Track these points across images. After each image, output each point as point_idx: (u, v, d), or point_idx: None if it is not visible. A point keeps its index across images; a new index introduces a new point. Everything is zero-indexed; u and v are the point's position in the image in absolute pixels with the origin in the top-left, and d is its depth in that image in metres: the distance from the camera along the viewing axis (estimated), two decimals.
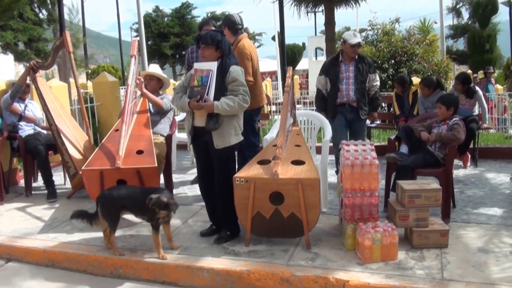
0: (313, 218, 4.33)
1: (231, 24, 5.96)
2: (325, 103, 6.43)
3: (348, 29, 44.66)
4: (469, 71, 25.48)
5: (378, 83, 6.47)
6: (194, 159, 7.17)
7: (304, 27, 34.77)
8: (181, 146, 8.66)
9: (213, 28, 6.32)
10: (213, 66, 4.48)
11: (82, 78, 11.54)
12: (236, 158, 5.16)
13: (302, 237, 4.46)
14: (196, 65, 4.61)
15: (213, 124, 4.45)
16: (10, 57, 21.85)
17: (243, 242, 4.56)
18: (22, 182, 7.22)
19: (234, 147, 4.63)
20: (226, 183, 4.51)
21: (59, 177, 7.23)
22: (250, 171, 4.50)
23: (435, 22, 25.50)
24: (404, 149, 5.60)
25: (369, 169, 4.31)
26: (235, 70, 4.51)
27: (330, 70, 6.36)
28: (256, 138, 6.17)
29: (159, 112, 6.18)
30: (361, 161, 4.31)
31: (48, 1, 20.21)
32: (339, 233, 4.77)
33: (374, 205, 4.39)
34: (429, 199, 4.35)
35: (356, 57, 6.27)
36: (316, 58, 29.44)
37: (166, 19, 42.30)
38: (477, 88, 7.92)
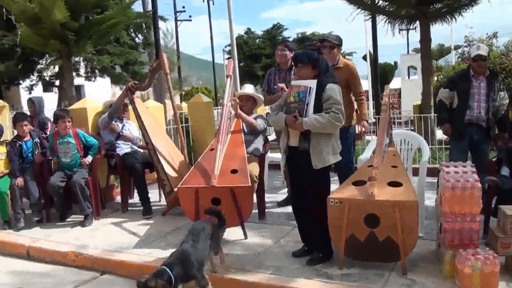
0: (410, 242, 4.19)
1: (341, 43, 6.19)
2: (450, 115, 6.16)
3: (442, 46, 42.62)
4: None
5: (507, 101, 6.03)
6: (284, 179, 7.18)
7: (395, 45, 34.12)
8: (273, 166, 8.69)
9: (285, 48, 6.57)
10: (312, 83, 4.45)
11: (176, 100, 11.96)
12: None
13: (398, 262, 4.32)
14: (294, 82, 4.62)
15: (304, 142, 4.45)
16: (107, 79, 23.06)
17: (336, 265, 4.47)
18: (118, 198, 7.49)
19: (330, 167, 4.58)
20: (320, 203, 4.44)
21: (154, 195, 7.43)
22: (345, 192, 4.44)
23: None
24: (505, 171, 5.31)
25: (470, 192, 4.10)
26: (331, 88, 4.46)
27: (459, 84, 6.05)
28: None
29: (253, 132, 6.25)
30: (462, 184, 4.12)
31: (144, 26, 21.18)
32: (436, 259, 4.57)
33: (475, 231, 4.17)
34: None
35: (488, 72, 5.97)
36: (409, 77, 28.40)
37: (257, 40, 43.19)
38: None
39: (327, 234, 4.49)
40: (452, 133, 6.08)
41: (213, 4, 37.54)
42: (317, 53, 4.57)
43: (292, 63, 5.34)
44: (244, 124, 6.26)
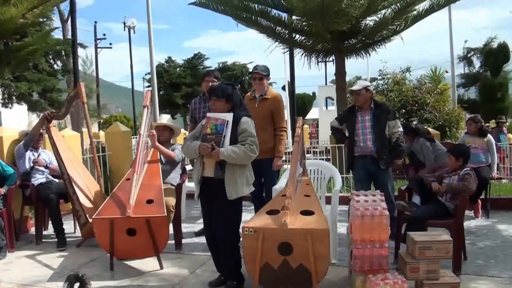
0: (322, 269, 4.30)
1: (269, 73, 6.40)
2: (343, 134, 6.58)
3: (359, 78, 44.45)
4: None
5: (399, 129, 6.31)
6: None
7: (315, 76, 35.11)
8: (191, 196, 8.58)
9: (215, 79, 6.53)
10: (229, 117, 4.57)
11: (94, 128, 11.71)
12: None
13: None
14: (210, 114, 4.69)
15: (221, 172, 4.52)
16: (24, 107, 22.25)
17: None
18: (32, 230, 7.24)
19: (243, 198, 4.68)
20: (232, 233, 4.58)
21: (69, 226, 7.26)
22: (259, 221, 4.51)
23: (446, 71, 25.10)
24: (416, 199, 5.61)
25: (379, 220, 4.28)
26: (246, 121, 4.61)
27: (347, 119, 6.43)
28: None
29: (170, 162, 6.27)
30: (371, 212, 4.29)
31: (63, 53, 20.72)
32: (348, 285, 4.72)
33: (384, 257, 4.32)
34: (440, 251, 4.30)
35: (372, 105, 6.26)
36: (326, 108, 28.76)
37: (178, 69, 42.65)
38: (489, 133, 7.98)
39: (239, 261, 4.62)
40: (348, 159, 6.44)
41: (134, 32, 37.10)
42: (231, 88, 4.71)
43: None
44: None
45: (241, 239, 4.66)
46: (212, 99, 4.70)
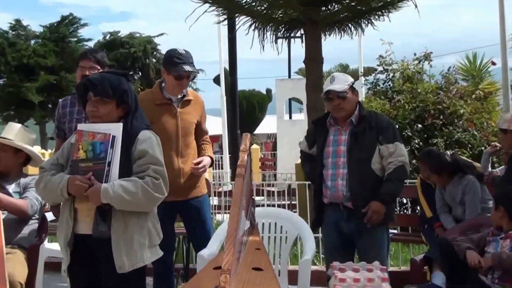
0: None
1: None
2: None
3: (345, 68, 32.91)
4: None
5: (402, 158, 4.12)
6: None
7: (270, 62, 29.71)
8: (54, 265, 5.90)
9: (96, 65, 4.54)
10: (116, 128, 3.25)
11: None
12: None
13: None
14: (84, 126, 3.36)
15: (103, 225, 3.21)
16: None
17: None
18: None
19: (145, 269, 3.35)
20: None
21: None
22: None
23: (493, 63, 15.12)
24: (438, 278, 4.42)
25: None
26: (147, 138, 3.31)
27: (315, 138, 4.39)
28: None
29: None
30: None
31: None
32: None
33: None
34: None
35: (353, 117, 4.17)
36: (290, 116, 21.68)
37: (33, 42, 28.79)
38: None
39: None
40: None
41: None
42: (124, 81, 3.41)
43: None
44: None
45: None
46: (91, 100, 3.30)
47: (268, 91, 31.92)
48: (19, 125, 4.93)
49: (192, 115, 4.60)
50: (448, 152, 6.28)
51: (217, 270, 3.19)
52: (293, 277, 4.40)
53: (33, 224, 4.51)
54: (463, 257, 4.00)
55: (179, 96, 4.57)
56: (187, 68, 4.44)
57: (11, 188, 4.40)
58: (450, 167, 5.44)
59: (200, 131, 4.70)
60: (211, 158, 4.76)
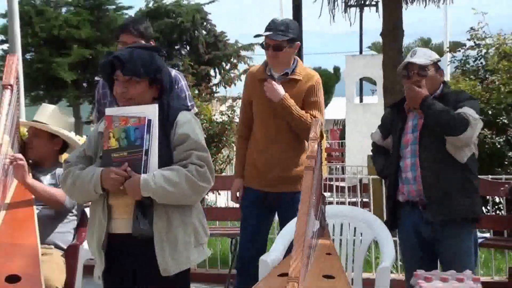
0: None
1: (297, 37, 4.27)
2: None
3: (428, 43, 27.54)
4: None
5: (470, 112, 3.57)
6: None
7: (339, 35, 28.83)
8: (91, 269, 5.95)
9: (140, 38, 4.26)
10: (151, 110, 2.99)
11: None
12: None
13: None
14: (112, 111, 3.09)
15: (144, 223, 2.98)
16: None
17: None
18: None
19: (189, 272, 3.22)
20: None
21: None
22: None
23: None
24: None
25: None
26: (186, 121, 3.09)
27: (391, 125, 4.04)
28: None
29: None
30: None
31: None
32: None
33: None
34: None
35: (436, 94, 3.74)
36: (361, 99, 19.26)
37: (65, 10, 24.82)
38: None
39: None
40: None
41: None
42: (158, 57, 3.17)
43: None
44: None
45: None
46: (121, 79, 3.03)
47: (336, 69, 30.30)
48: (54, 106, 4.69)
49: (293, 97, 4.20)
50: None
51: (283, 278, 3.07)
52: (368, 286, 4.14)
53: (71, 222, 4.32)
54: None
55: (281, 73, 4.25)
56: (269, 34, 4.10)
57: (46, 179, 4.17)
58: None
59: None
60: None
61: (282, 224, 4.27)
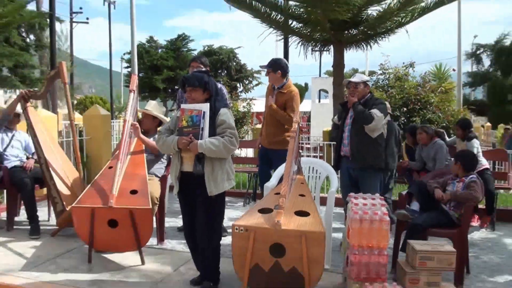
0: (316, 274, 4.25)
1: (285, 69, 6.81)
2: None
3: (356, 71, 43.94)
4: (488, 124, 25.30)
5: (376, 112, 5.76)
6: None
7: (307, 66, 36.13)
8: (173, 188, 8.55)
9: (201, 66, 6.54)
10: (205, 107, 4.59)
11: (65, 109, 11.12)
12: None
13: None
14: (184, 106, 4.69)
15: (199, 166, 4.54)
16: None
17: None
18: (3, 215, 7.15)
19: (225, 193, 4.73)
20: (213, 231, 4.68)
21: (42, 213, 7.18)
22: (250, 219, 4.41)
23: (453, 70, 25.22)
24: (415, 206, 5.56)
25: (379, 226, 4.28)
26: (224, 113, 4.67)
27: (340, 114, 6.28)
28: None
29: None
30: (370, 217, 4.29)
31: (37, 26, 20.13)
32: None
33: (382, 265, 4.34)
34: (442, 262, 4.36)
35: (362, 101, 5.95)
36: (319, 101, 29.12)
37: (160, 50, 41.15)
38: (475, 136, 7.97)
39: (216, 261, 4.72)
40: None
41: (114, 8, 37.87)
42: (207, 76, 4.75)
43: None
44: None
45: (222, 237, 4.83)
46: (187, 89, 4.71)
47: (306, 84, 48.19)
48: (154, 101, 6.78)
49: (279, 101, 6.77)
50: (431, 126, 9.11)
51: (277, 195, 4.66)
52: (323, 201, 5.92)
53: (163, 162, 6.37)
54: (432, 193, 5.48)
55: (277, 87, 6.80)
56: (265, 66, 6.80)
57: (150, 140, 6.20)
58: (430, 134, 7.89)
59: (287, 110, 6.77)
60: None
61: (275, 166, 6.25)
